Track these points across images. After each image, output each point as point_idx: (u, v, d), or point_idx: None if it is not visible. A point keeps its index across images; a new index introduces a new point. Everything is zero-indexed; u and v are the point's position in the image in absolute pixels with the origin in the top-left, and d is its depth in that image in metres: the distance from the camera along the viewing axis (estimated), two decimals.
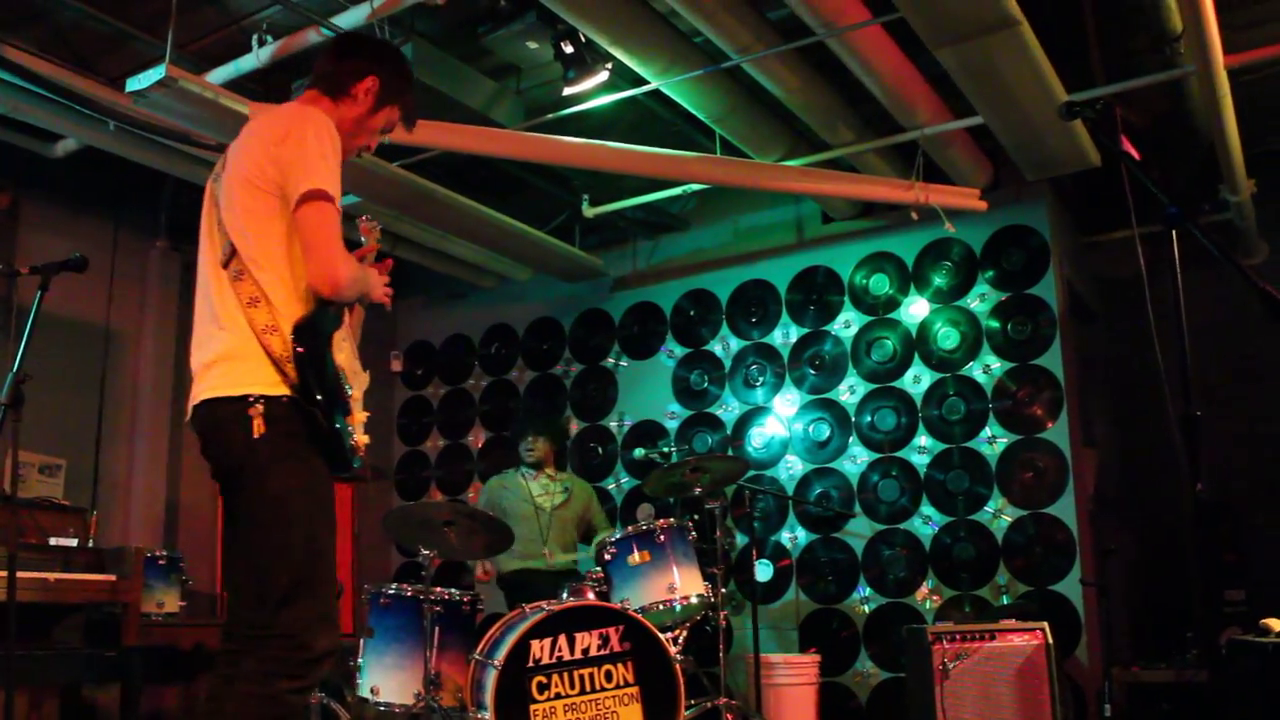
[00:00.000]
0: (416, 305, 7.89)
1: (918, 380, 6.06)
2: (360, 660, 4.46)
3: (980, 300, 5.96)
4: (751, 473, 6.23)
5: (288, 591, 2.34)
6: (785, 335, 6.50)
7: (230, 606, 2.54)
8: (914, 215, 5.49)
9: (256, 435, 2.33)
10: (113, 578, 4.64)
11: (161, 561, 5.21)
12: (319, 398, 2.36)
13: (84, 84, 4.85)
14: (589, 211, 6.40)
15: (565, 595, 4.53)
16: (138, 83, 4.22)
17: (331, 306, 2.45)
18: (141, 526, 6.15)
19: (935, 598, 5.81)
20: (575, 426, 7.09)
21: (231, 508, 2.48)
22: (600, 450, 6.98)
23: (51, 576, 4.44)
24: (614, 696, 4.14)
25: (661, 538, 4.60)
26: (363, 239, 2.76)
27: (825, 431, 6.25)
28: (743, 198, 6.75)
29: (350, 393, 2.50)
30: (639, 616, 4.28)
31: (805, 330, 6.45)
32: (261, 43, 4.55)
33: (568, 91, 4.83)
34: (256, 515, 2.39)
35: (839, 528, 6.12)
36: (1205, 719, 4.95)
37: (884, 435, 6.10)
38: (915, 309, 6.14)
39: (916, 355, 6.09)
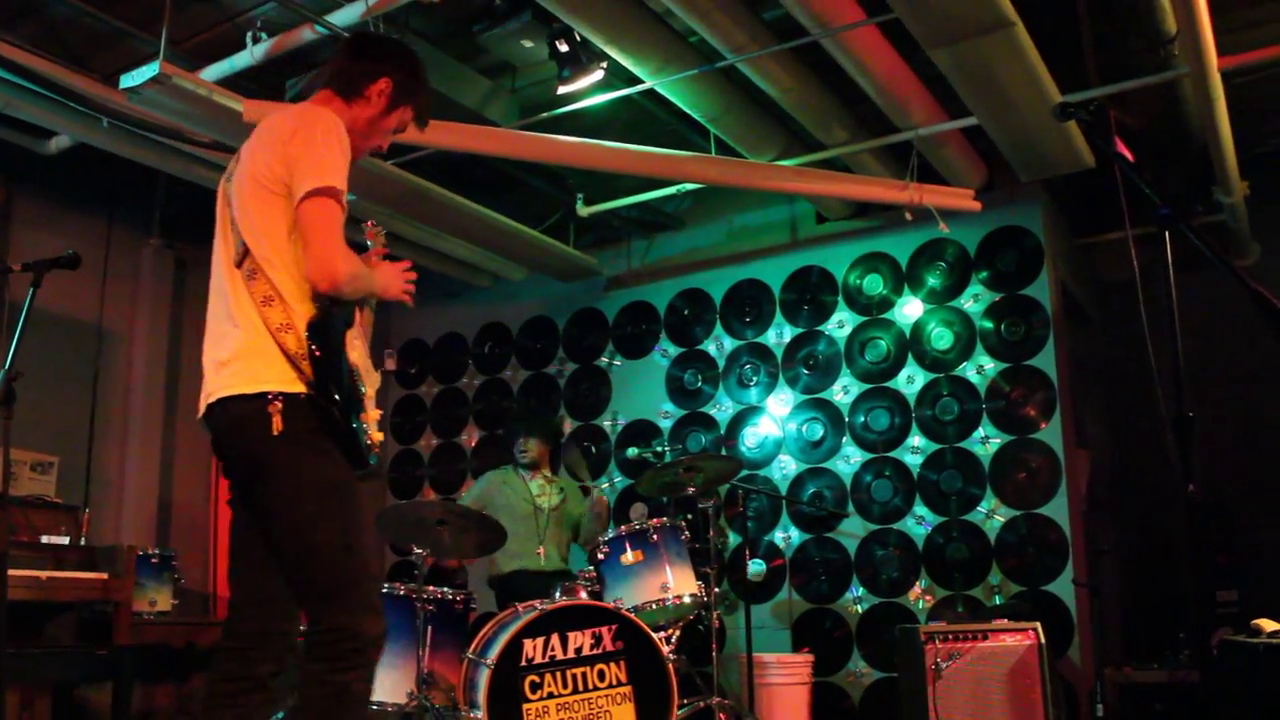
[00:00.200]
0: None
1: (911, 380, 6.06)
2: None
3: (974, 301, 5.96)
4: (745, 472, 6.24)
5: (327, 587, 2.35)
6: (779, 335, 6.51)
7: (236, 604, 2.52)
8: (908, 216, 5.49)
9: (275, 432, 2.34)
10: (105, 576, 4.64)
11: (154, 560, 5.21)
12: (336, 397, 2.37)
13: (78, 80, 4.83)
14: (583, 210, 6.40)
15: (558, 594, 4.52)
16: (132, 79, 4.22)
17: (340, 305, 2.45)
18: (134, 524, 6.14)
19: (928, 598, 5.81)
20: (569, 426, 7.08)
21: (253, 506, 2.47)
22: (594, 449, 6.98)
23: (43, 574, 4.43)
24: (607, 696, 4.14)
25: (655, 537, 4.60)
26: (368, 243, 2.76)
27: (819, 431, 6.26)
28: (737, 197, 6.76)
29: (364, 391, 2.51)
30: (632, 616, 4.28)
31: (799, 330, 6.45)
32: (256, 40, 4.54)
33: (562, 90, 4.82)
34: (285, 513, 2.39)
35: (832, 527, 6.12)
36: (1197, 719, 4.96)
37: (877, 435, 6.11)
38: (909, 309, 6.14)
39: (910, 355, 6.09)
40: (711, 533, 4.85)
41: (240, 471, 2.47)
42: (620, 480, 6.85)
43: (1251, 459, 6.12)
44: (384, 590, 4.46)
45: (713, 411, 6.64)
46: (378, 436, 2.52)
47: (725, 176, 5.53)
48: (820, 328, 6.38)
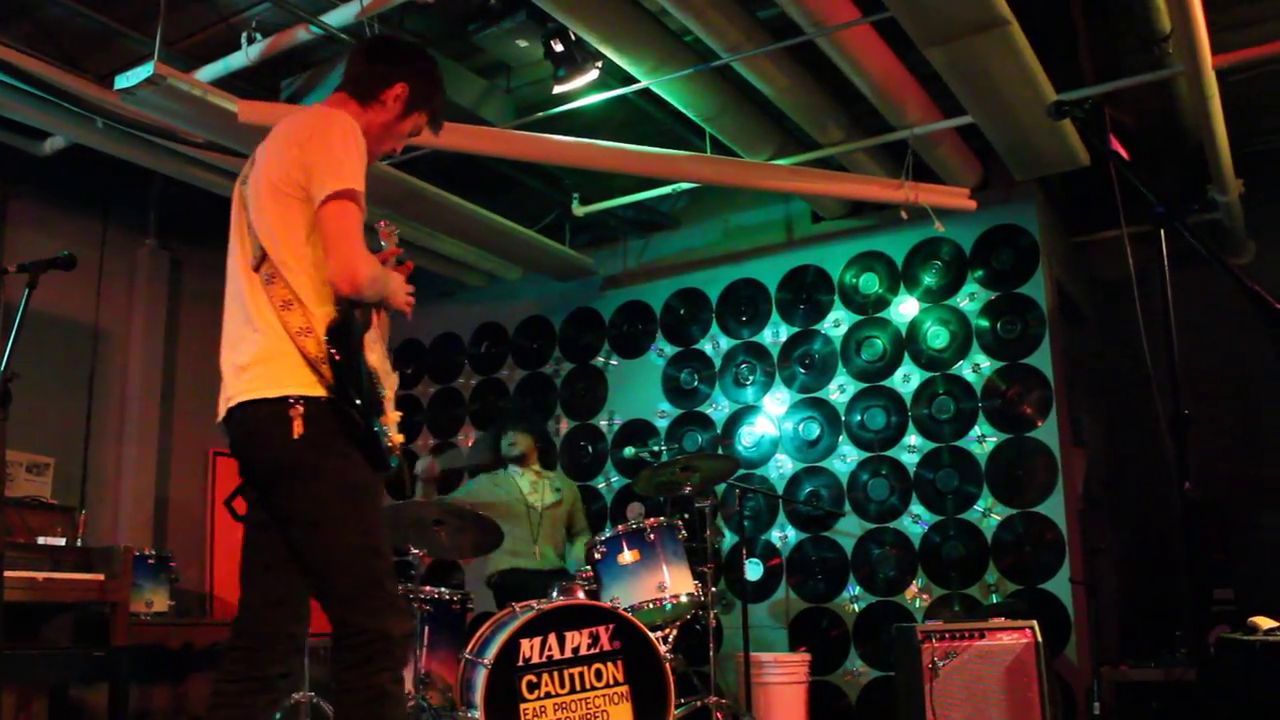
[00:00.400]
0: None
1: (907, 379, 6.07)
2: None
3: (970, 299, 5.97)
4: (741, 472, 6.24)
5: (351, 589, 2.36)
6: (775, 334, 6.51)
7: (248, 605, 2.52)
8: (904, 214, 5.49)
9: (296, 436, 2.34)
10: (101, 577, 4.64)
11: (150, 561, 5.21)
12: (357, 400, 2.37)
13: (72, 81, 4.82)
14: (579, 210, 6.39)
15: (555, 594, 4.52)
16: (126, 80, 4.21)
17: (358, 308, 2.45)
18: (130, 525, 6.13)
19: (925, 596, 5.82)
20: (565, 425, 7.08)
21: (273, 510, 2.47)
22: (590, 449, 6.98)
23: (40, 576, 4.43)
24: (604, 695, 4.14)
25: (651, 536, 4.60)
26: (383, 243, 2.75)
27: (815, 430, 6.26)
28: (733, 197, 6.75)
29: (383, 393, 2.52)
30: (629, 615, 4.28)
31: (795, 329, 6.45)
32: (250, 40, 4.54)
33: (558, 90, 4.82)
34: (307, 516, 2.39)
35: (829, 526, 6.12)
36: (1194, 717, 4.96)
37: (874, 434, 6.11)
38: (905, 308, 6.15)
39: (906, 354, 6.09)
40: (708, 532, 4.85)
41: (261, 475, 2.47)
42: (617, 480, 6.85)
43: (1248, 457, 6.13)
44: None
45: (709, 411, 6.64)
46: (398, 438, 2.54)
47: (721, 176, 5.53)
48: (816, 327, 6.38)
